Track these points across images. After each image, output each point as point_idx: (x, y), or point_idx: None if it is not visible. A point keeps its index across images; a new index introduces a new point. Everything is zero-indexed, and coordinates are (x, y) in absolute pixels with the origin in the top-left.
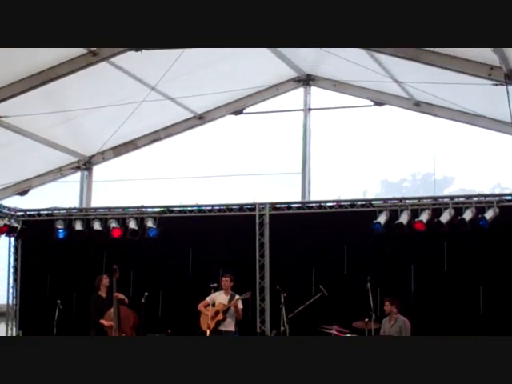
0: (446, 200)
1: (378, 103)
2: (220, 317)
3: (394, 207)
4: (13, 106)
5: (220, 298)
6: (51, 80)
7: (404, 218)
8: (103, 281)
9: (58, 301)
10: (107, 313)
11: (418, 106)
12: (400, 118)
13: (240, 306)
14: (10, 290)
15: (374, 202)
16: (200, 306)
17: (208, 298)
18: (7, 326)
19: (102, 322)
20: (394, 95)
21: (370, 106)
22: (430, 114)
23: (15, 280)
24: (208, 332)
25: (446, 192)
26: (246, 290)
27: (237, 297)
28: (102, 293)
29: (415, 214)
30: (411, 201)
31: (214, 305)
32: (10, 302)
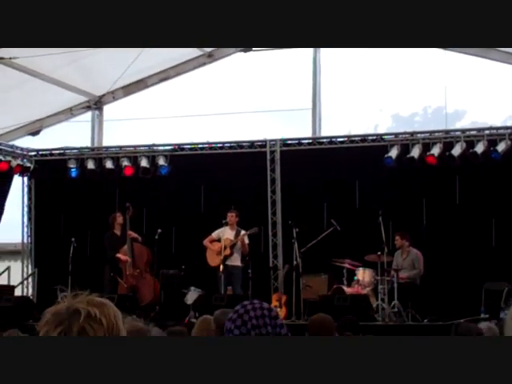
0: (457, 133)
1: None
2: (227, 252)
3: (406, 141)
4: (22, 48)
5: (226, 233)
6: None
7: (415, 152)
8: (117, 219)
9: (73, 238)
10: (121, 249)
11: None
12: (411, 51)
13: (246, 240)
14: (25, 229)
15: (385, 137)
16: (206, 242)
17: (214, 234)
18: (23, 263)
19: (119, 255)
20: None
21: None
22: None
23: (29, 219)
24: (219, 267)
25: (458, 125)
26: (257, 226)
27: (243, 232)
28: (117, 230)
29: (427, 147)
30: (422, 135)
31: (219, 240)
32: (25, 240)
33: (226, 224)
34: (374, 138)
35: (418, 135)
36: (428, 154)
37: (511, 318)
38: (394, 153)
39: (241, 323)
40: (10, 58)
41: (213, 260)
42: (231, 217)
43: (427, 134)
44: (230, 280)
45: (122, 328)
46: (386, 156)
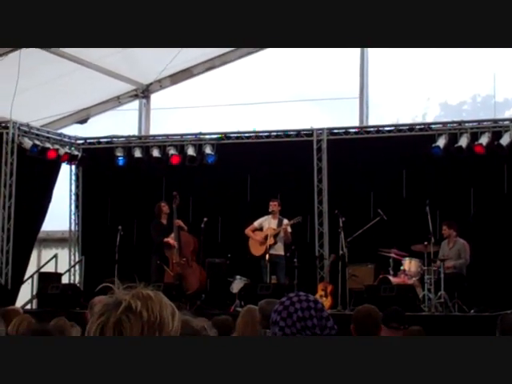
0: (506, 122)
1: None
2: (271, 241)
3: (454, 130)
4: None
5: (269, 222)
6: None
7: (463, 141)
8: (163, 209)
9: (120, 227)
10: (169, 237)
11: None
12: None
13: (289, 229)
14: (72, 217)
15: (432, 126)
16: (248, 231)
17: (256, 223)
18: (70, 251)
19: (168, 240)
20: None
21: None
22: None
23: (77, 207)
24: (264, 256)
25: (507, 114)
26: (304, 215)
27: (285, 221)
28: (163, 219)
29: (475, 137)
30: (471, 124)
31: (261, 229)
32: (73, 228)
33: (271, 213)
34: (422, 127)
35: (466, 124)
36: (476, 143)
37: None
38: (441, 142)
39: (286, 315)
40: (58, 47)
41: (256, 249)
42: (274, 205)
43: (475, 123)
44: (274, 269)
45: (169, 322)
46: (433, 145)
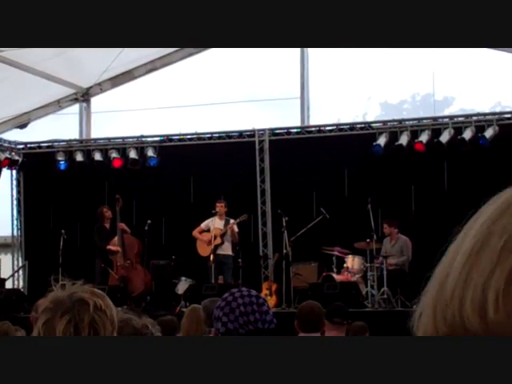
0: (445, 120)
1: None
2: (218, 241)
3: (394, 129)
4: None
5: (215, 223)
6: None
7: (404, 140)
8: (105, 214)
9: (63, 231)
10: (112, 241)
11: None
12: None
13: (236, 229)
14: (15, 222)
15: (373, 125)
16: (195, 232)
17: (203, 224)
18: (13, 256)
19: (110, 247)
20: None
21: None
22: None
23: (19, 212)
24: (210, 256)
25: (447, 112)
26: (247, 214)
27: (232, 221)
28: (106, 223)
29: (415, 135)
30: (411, 122)
31: (208, 230)
32: (15, 233)
33: (216, 214)
34: (363, 125)
35: (406, 122)
36: (416, 141)
37: None
38: (382, 140)
39: (229, 310)
40: None
41: (203, 250)
42: (220, 206)
43: (415, 122)
44: (222, 269)
45: (115, 320)
46: (374, 144)
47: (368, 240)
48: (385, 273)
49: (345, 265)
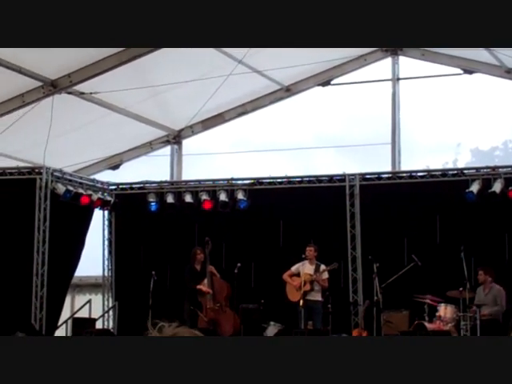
0: None
1: (468, 71)
2: (307, 287)
3: (487, 176)
4: (103, 82)
5: (305, 267)
6: (139, 56)
7: (497, 187)
8: (197, 256)
9: (153, 272)
10: (201, 283)
11: (509, 73)
12: (490, 85)
13: (326, 275)
14: (106, 262)
15: (465, 171)
16: (285, 276)
17: (293, 268)
18: (103, 297)
19: (201, 287)
20: (484, 63)
21: (460, 74)
22: None
23: (110, 252)
24: (299, 302)
25: None
26: (337, 261)
27: (322, 267)
28: (197, 265)
29: (509, 182)
30: (504, 169)
31: (299, 274)
32: (106, 273)
33: (305, 258)
34: (455, 172)
35: (500, 170)
36: (510, 188)
37: None
38: (475, 187)
39: None
40: (91, 93)
41: (293, 295)
42: (310, 251)
43: (509, 169)
44: (311, 314)
45: None
46: (467, 191)
47: (461, 289)
48: (478, 323)
49: (437, 313)
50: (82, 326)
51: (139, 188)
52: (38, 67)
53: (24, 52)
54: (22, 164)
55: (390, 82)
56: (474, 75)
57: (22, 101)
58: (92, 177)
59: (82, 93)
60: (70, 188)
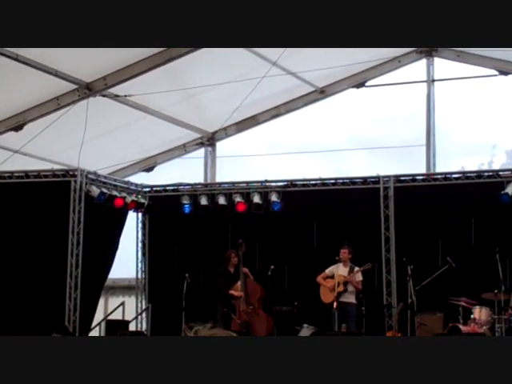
0: None
1: (504, 72)
2: (340, 288)
3: None
4: (137, 85)
5: (339, 269)
6: (173, 58)
7: None
8: (231, 259)
9: (186, 274)
10: (235, 285)
11: None
12: None
13: (360, 277)
14: (139, 265)
15: (501, 173)
16: (319, 278)
17: (327, 270)
18: (137, 299)
19: (232, 292)
20: None
21: (495, 75)
22: None
23: (143, 254)
24: (333, 303)
25: None
26: (371, 263)
27: (356, 268)
28: (230, 267)
29: None
30: None
31: (333, 277)
32: (139, 275)
33: (340, 260)
34: (490, 174)
35: None
36: None
37: None
38: (510, 189)
39: None
40: (125, 96)
41: (326, 297)
42: (344, 253)
43: None
44: (344, 317)
45: None
46: (502, 192)
47: (496, 291)
48: None
49: (472, 316)
50: (116, 328)
51: (173, 190)
52: (73, 70)
53: (59, 55)
54: (56, 167)
55: (424, 84)
56: (510, 76)
57: (57, 104)
58: (126, 179)
59: (117, 95)
60: (104, 190)
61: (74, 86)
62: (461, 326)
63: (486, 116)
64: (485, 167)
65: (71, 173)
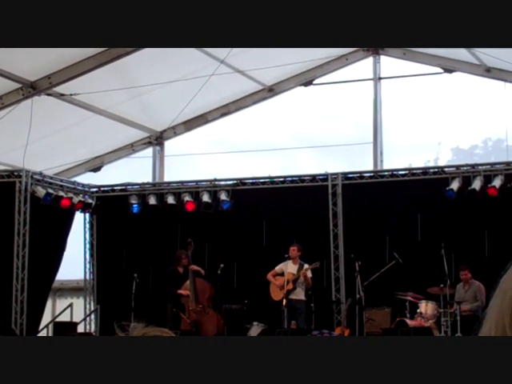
0: None
1: (448, 70)
2: (290, 286)
3: (467, 174)
4: (83, 84)
5: (289, 267)
6: (119, 57)
7: (477, 184)
8: (182, 260)
9: (135, 274)
10: (184, 285)
11: (488, 72)
12: (470, 84)
13: (309, 274)
14: (87, 266)
15: (446, 169)
16: (269, 276)
17: (277, 268)
18: (85, 300)
19: (180, 291)
20: (464, 62)
21: (440, 73)
22: (501, 79)
23: (91, 255)
24: (282, 301)
25: None
26: (319, 260)
27: (306, 266)
28: (180, 267)
29: (488, 179)
30: (484, 167)
31: (282, 274)
32: (88, 277)
33: (289, 258)
34: (436, 170)
35: (479, 167)
36: (489, 185)
37: None
38: (455, 185)
39: None
40: (71, 95)
41: (276, 294)
42: (293, 251)
43: (488, 166)
44: (294, 314)
45: None
46: (447, 188)
47: (441, 285)
48: (458, 318)
49: (418, 310)
50: (64, 330)
51: (121, 190)
52: (17, 68)
53: (2, 53)
54: (1, 167)
55: (371, 82)
56: (454, 74)
57: (0, 103)
58: (73, 179)
59: (62, 94)
60: (51, 191)
61: (18, 85)
62: (407, 321)
63: (432, 113)
64: (431, 164)
65: (16, 173)
